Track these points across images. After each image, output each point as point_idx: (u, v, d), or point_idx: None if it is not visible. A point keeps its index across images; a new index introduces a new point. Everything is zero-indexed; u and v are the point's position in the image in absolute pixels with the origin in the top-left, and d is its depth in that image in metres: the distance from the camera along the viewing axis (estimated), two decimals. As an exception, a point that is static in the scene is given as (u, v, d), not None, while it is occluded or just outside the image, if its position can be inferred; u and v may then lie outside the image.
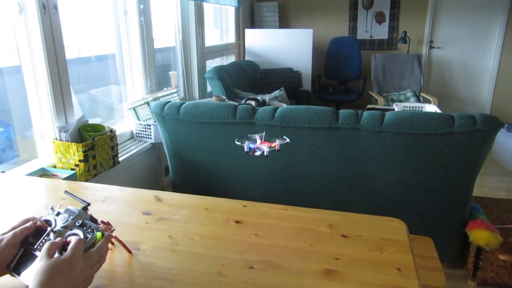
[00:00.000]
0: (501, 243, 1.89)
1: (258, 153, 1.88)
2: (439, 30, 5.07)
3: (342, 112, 1.84)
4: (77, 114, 2.16)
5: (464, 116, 1.75)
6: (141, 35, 2.76)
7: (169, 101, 2.09)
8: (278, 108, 1.90)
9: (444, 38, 5.09)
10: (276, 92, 3.37)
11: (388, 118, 1.76)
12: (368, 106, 3.33)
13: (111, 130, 2.09)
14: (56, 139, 1.93)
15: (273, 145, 1.98)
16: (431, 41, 5.13)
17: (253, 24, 5.31)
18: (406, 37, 4.96)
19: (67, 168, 1.92)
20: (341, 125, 1.80)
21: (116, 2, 2.67)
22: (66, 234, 0.67)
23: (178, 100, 3.07)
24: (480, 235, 1.91)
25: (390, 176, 1.87)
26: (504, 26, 4.78)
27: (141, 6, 2.74)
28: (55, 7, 1.95)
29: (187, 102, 2.04)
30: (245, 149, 1.87)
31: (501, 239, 1.90)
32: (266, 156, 1.83)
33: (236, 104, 1.96)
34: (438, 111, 2.62)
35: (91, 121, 2.49)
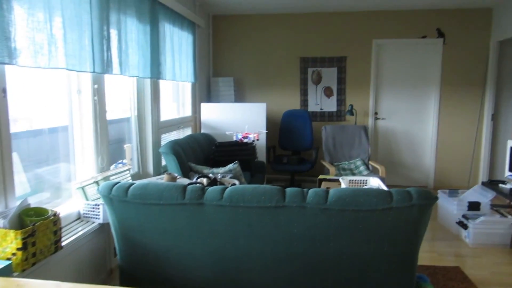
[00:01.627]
0: (449, 315, 1.93)
1: (245, 140, 2.95)
2: (382, 103, 5.53)
3: (288, 190, 1.91)
4: (24, 189, 2.06)
5: (401, 192, 1.87)
6: (94, 114, 2.79)
7: (118, 182, 2.07)
8: (227, 187, 1.94)
9: (387, 110, 5.53)
10: (230, 166, 3.43)
11: (332, 196, 1.85)
12: (320, 176, 3.46)
13: (55, 214, 2.01)
14: (-7, 226, 1.82)
15: (255, 135, 3.26)
16: (376, 113, 5.55)
17: (209, 98, 5.52)
18: (353, 110, 5.34)
19: (2, 258, 1.79)
20: (288, 203, 1.85)
21: (70, 81, 2.71)
22: None
23: (129, 179, 3.03)
24: (429, 308, 1.95)
25: (337, 252, 1.91)
26: (438, 99, 5.31)
27: (95, 86, 2.80)
28: (4, 91, 1.96)
29: (136, 183, 2.04)
30: (234, 138, 3.01)
31: (448, 310, 1.94)
32: (253, 141, 3.03)
33: (185, 184, 1.98)
34: (381, 184, 2.77)
35: (37, 199, 2.38)
